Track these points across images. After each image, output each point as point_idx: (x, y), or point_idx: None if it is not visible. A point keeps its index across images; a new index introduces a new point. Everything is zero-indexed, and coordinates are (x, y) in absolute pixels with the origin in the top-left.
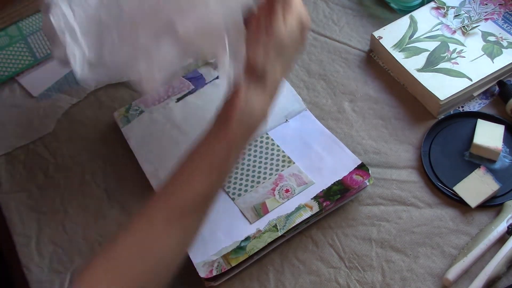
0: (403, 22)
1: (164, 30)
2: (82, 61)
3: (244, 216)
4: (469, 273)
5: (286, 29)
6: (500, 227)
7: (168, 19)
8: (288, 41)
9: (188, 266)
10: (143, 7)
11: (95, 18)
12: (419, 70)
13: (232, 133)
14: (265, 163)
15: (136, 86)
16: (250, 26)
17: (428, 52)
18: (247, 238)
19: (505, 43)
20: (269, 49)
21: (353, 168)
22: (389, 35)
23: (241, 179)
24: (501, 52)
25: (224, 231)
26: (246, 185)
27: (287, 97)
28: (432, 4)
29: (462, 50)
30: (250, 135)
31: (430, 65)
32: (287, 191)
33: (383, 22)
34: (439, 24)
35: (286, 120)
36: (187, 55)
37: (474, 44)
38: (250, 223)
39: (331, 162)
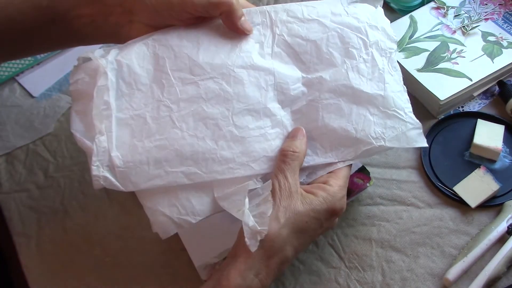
0: (403, 22)
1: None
2: (104, 157)
3: None
4: (469, 273)
5: (306, 206)
6: (500, 227)
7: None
8: (308, 222)
9: (189, 268)
10: (194, 136)
11: (140, 111)
12: (419, 70)
13: None
14: None
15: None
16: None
17: (428, 52)
18: None
19: (505, 43)
20: (281, 219)
21: (354, 171)
22: None
23: None
24: (501, 52)
25: (226, 232)
26: None
27: None
28: (432, 4)
29: (462, 50)
30: None
31: (430, 65)
32: None
33: None
34: (439, 24)
35: None
36: (214, 210)
37: (474, 44)
38: None
39: None
